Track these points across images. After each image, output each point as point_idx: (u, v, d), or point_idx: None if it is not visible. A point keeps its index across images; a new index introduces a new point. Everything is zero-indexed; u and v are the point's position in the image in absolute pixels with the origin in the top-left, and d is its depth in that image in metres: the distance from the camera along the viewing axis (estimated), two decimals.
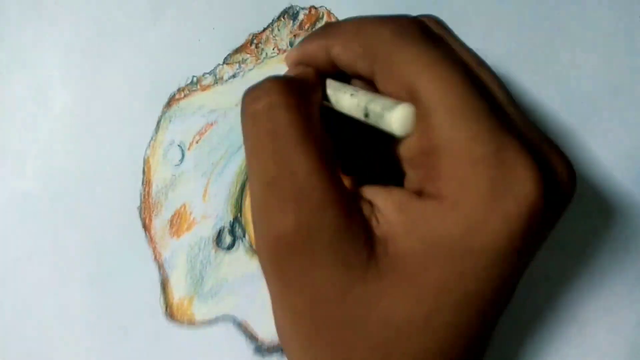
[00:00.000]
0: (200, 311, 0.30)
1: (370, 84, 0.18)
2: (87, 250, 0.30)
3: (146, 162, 0.30)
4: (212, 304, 0.30)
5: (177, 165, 0.30)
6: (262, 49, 0.30)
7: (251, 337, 0.30)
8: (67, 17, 0.30)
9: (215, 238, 0.30)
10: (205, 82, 0.30)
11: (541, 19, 0.30)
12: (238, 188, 0.30)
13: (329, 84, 0.19)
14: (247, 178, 0.30)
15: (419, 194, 0.16)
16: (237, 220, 0.30)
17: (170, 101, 0.30)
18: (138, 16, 0.30)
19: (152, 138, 0.30)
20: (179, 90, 0.30)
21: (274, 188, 0.16)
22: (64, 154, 0.30)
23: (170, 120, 0.30)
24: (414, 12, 0.31)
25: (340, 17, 0.30)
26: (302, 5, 0.30)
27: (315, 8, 0.30)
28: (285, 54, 0.19)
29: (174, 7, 0.30)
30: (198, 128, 0.30)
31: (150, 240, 0.30)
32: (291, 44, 0.30)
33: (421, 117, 0.15)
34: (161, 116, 0.30)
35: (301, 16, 0.30)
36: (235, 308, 0.30)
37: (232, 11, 0.30)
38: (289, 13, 0.30)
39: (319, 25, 0.30)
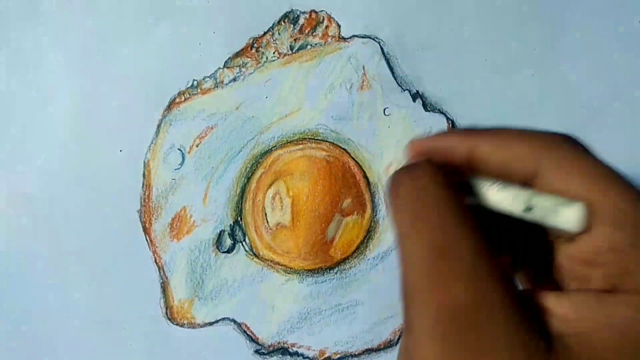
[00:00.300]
0: (200, 313, 0.30)
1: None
2: (87, 253, 0.30)
3: (146, 165, 0.30)
4: (212, 306, 0.30)
5: (178, 168, 0.30)
6: (263, 53, 0.30)
7: (251, 338, 0.30)
8: (67, 20, 0.30)
9: (215, 241, 0.30)
10: (205, 85, 0.30)
11: (542, 23, 0.30)
12: (238, 191, 0.30)
13: (472, 180, 0.19)
14: (247, 182, 0.30)
15: (611, 290, 0.16)
16: (237, 223, 0.30)
17: (171, 105, 0.30)
18: (139, 19, 0.30)
19: (152, 141, 0.30)
20: (180, 93, 0.30)
21: (444, 259, 0.16)
22: (63, 157, 0.30)
23: (170, 124, 0.30)
24: (415, 13, 0.31)
25: (341, 22, 0.30)
26: (302, 10, 0.30)
27: (316, 12, 0.30)
28: (411, 142, 0.19)
29: (175, 10, 0.30)
30: (198, 132, 0.30)
31: (151, 243, 0.30)
32: (291, 48, 0.30)
33: (598, 217, 0.16)
34: (161, 120, 0.30)
35: (302, 20, 0.30)
36: (235, 310, 0.30)
37: (232, 15, 0.30)
38: (290, 17, 0.30)
39: (319, 29, 0.30)
